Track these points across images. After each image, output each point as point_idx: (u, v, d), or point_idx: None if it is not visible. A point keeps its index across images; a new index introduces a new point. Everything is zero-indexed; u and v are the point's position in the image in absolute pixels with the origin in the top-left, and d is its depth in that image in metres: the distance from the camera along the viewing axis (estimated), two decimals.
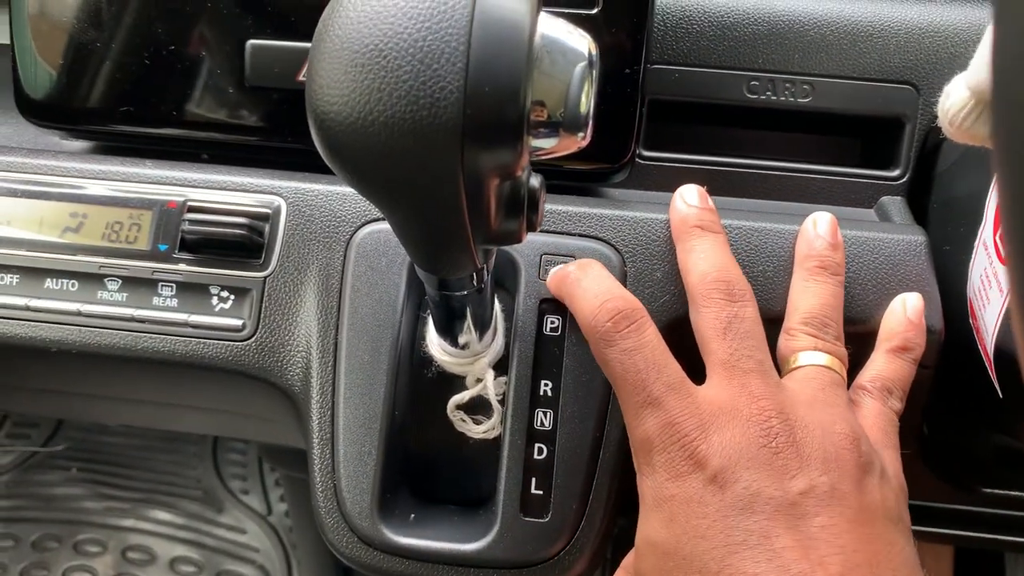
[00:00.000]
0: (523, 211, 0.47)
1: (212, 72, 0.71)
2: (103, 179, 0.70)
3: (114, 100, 0.72)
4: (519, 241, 0.48)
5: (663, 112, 0.76)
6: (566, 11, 0.67)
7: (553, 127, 0.43)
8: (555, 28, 0.44)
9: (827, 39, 0.74)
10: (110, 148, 0.76)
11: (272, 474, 1.65)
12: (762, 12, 0.75)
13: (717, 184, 0.75)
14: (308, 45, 0.68)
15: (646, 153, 0.76)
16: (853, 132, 0.78)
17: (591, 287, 0.60)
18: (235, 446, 1.69)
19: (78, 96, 0.72)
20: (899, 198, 0.74)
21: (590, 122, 0.44)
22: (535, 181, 0.48)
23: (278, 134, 0.72)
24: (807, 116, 0.75)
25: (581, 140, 0.44)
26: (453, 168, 0.41)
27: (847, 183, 0.75)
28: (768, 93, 0.74)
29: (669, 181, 0.75)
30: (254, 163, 0.72)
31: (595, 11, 0.67)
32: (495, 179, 0.43)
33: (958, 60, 0.73)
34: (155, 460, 1.67)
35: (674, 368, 0.56)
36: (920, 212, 0.74)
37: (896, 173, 0.75)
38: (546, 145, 0.44)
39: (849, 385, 0.62)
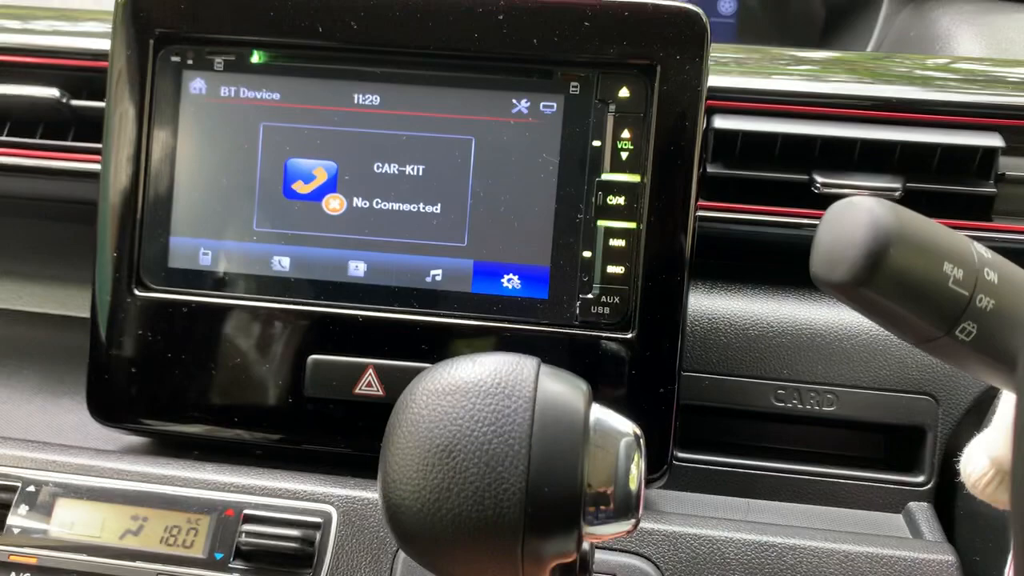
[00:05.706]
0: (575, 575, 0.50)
1: (273, 382, 0.76)
2: (165, 484, 0.74)
3: (180, 408, 0.77)
4: None
5: (695, 414, 0.80)
6: (604, 335, 0.72)
7: (606, 516, 0.47)
8: (604, 415, 0.49)
9: (847, 351, 0.79)
10: (171, 443, 0.80)
11: None
12: (785, 324, 0.80)
13: (748, 486, 0.78)
14: (364, 360, 0.75)
15: (680, 454, 0.79)
16: (878, 433, 0.82)
17: None
18: None
19: (147, 403, 0.77)
20: (926, 505, 0.77)
21: (640, 508, 0.47)
22: (585, 545, 0.51)
23: (331, 441, 0.76)
24: (833, 422, 0.79)
25: (632, 525, 0.48)
26: (514, 557, 0.45)
27: (874, 488, 0.78)
28: (794, 402, 0.78)
29: (703, 482, 0.78)
30: (307, 462, 0.76)
31: (631, 335, 0.72)
32: (552, 562, 0.46)
33: None
34: None
35: None
36: (948, 517, 0.76)
37: (921, 479, 0.78)
38: (601, 532, 0.47)
39: None
